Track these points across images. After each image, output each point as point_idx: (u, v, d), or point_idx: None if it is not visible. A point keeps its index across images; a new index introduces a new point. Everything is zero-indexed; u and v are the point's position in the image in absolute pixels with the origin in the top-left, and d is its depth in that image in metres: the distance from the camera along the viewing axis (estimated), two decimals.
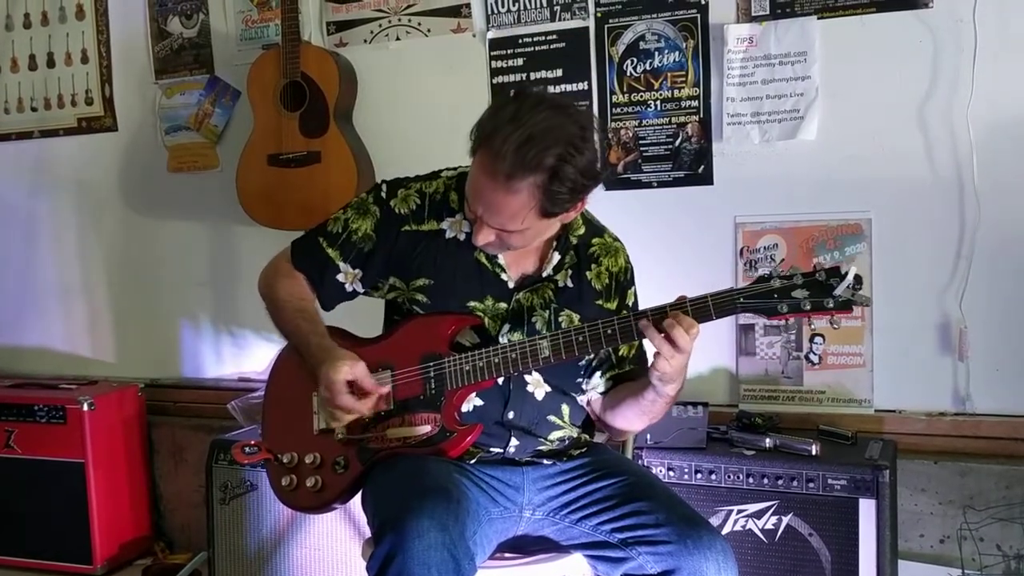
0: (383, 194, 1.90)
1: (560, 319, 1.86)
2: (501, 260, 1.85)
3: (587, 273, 1.90)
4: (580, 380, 1.92)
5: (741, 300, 1.62)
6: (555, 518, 1.82)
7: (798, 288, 1.60)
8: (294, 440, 1.89)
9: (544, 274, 1.87)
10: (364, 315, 2.00)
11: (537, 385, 1.86)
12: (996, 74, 2.35)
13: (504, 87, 2.81)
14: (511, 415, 1.83)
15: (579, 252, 1.91)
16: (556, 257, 1.88)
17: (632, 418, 1.88)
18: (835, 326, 1.63)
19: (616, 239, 1.99)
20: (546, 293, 1.87)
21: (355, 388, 1.75)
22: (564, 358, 1.72)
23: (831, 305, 1.58)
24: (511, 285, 1.86)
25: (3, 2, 3.46)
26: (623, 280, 1.95)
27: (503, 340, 1.82)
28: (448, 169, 1.93)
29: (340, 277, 1.90)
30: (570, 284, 1.89)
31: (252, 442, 1.93)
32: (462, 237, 1.86)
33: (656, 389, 1.74)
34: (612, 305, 1.92)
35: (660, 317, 1.65)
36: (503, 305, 1.85)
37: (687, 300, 1.65)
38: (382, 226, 1.88)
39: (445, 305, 1.84)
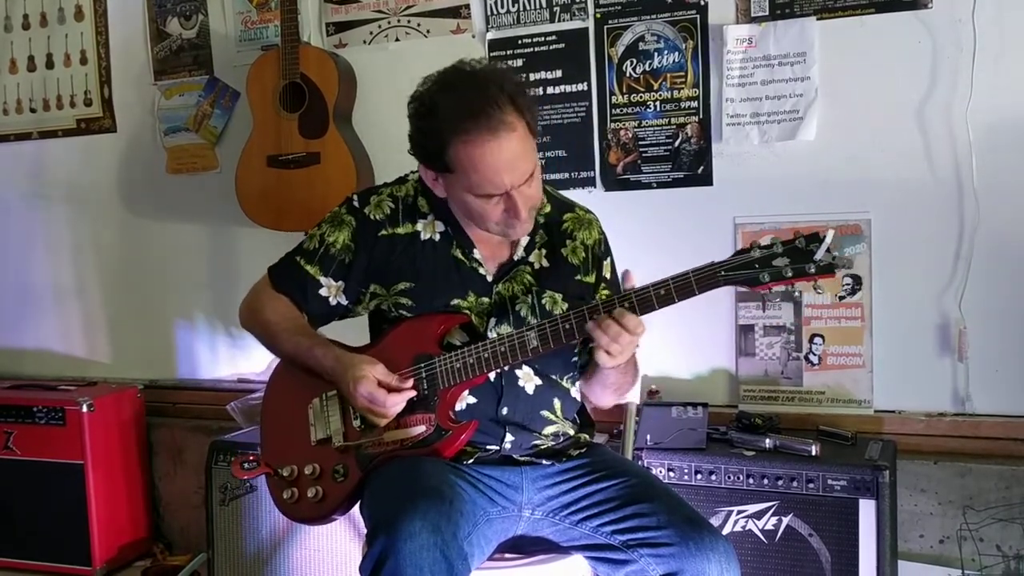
0: (355, 204, 1.92)
1: (543, 302, 1.87)
2: (477, 254, 1.87)
3: (562, 250, 1.92)
4: (575, 360, 1.93)
5: (723, 273, 1.62)
6: (555, 519, 1.82)
7: (779, 256, 1.60)
8: (293, 453, 1.88)
9: (517, 257, 1.89)
10: (352, 327, 2.00)
11: (528, 379, 1.86)
12: (995, 74, 2.35)
13: None
14: (505, 411, 1.84)
15: (550, 230, 1.93)
16: (526, 239, 1.90)
17: (599, 392, 1.93)
18: (818, 291, 1.63)
19: (588, 211, 2.01)
20: (525, 278, 1.89)
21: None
22: (552, 347, 1.73)
23: (812, 270, 1.58)
24: (489, 278, 1.88)
25: (2, 3, 3.46)
26: (598, 252, 1.97)
27: (492, 335, 1.83)
28: (413, 172, 1.94)
29: (323, 291, 1.91)
30: (546, 264, 1.91)
31: (251, 457, 1.93)
32: (437, 237, 1.88)
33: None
34: (590, 279, 1.94)
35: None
36: (486, 299, 1.86)
37: (670, 280, 1.65)
38: (359, 234, 1.89)
39: (430, 306, 1.85)
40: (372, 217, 1.89)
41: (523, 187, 1.73)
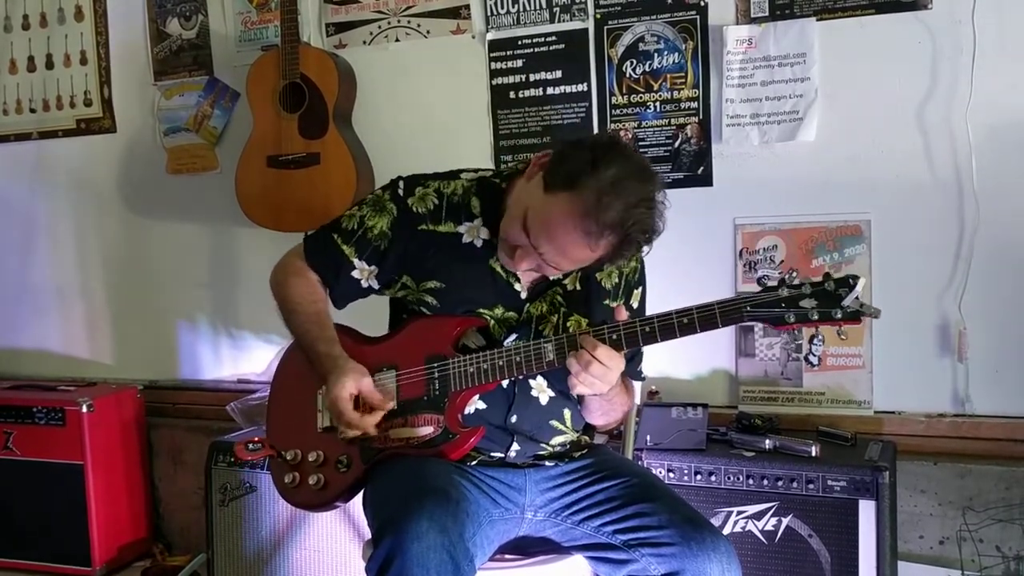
0: (400, 191, 1.88)
1: (568, 325, 1.85)
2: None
3: (597, 274, 1.88)
4: None
5: (748, 308, 1.60)
6: (557, 519, 1.82)
7: (806, 298, 1.58)
8: (298, 437, 1.89)
9: (552, 277, 1.86)
10: (370, 313, 2.00)
11: (541, 390, 1.86)
12: (995, 75, 2.35)
13: (503, 88, 2.82)
14: (514, 419, 1.83)
15: None
16: None
17: (588, 414, 1.91)
18: (842, 336, 1.60)
19: None
20: (555, 298, 1.87)
21: (360, 401, 1.77)
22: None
23: (839, 316, 1.56)
24: (524, 296, 1.86)
25: (2, 3, 3.46)
26: (632, 280, 1.94)
27: (508, 344, 1.81)
28: (468, 171, 1.92)
29: (356, 274, 1.89)
30: (578, 287, 1.88)
31: (255, 439, 1.94)
32: (479, 243, 1.85)
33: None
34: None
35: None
36: (513, 314, 1.84)
37: (694, 309, 1.62)
38: (398, 224, 1.86)
39: (452, 309, 1.84)
40: (415, 210, 1.86)
41: (545, 264, 1.71)
